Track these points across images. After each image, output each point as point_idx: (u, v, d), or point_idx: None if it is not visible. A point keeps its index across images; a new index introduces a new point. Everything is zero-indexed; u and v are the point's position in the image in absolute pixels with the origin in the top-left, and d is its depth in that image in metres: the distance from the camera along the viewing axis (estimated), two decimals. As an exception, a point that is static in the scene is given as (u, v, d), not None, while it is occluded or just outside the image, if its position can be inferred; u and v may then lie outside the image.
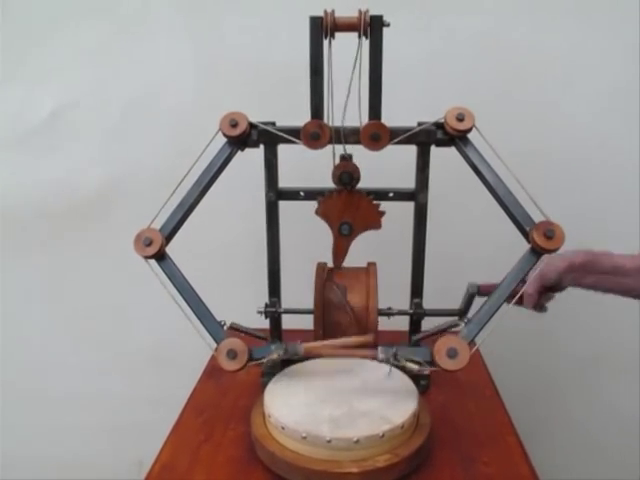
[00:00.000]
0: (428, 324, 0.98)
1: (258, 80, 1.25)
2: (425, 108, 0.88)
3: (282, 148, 0.91)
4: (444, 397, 0.95)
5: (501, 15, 1.21)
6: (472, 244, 1.31)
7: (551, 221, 0.78)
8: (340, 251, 0.91)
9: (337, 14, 0.78)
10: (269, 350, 0.80)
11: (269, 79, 1.24)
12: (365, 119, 0.84)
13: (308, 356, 0.83)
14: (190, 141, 0.86)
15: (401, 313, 0.97)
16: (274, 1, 1.21)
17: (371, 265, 0.98)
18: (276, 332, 1.01)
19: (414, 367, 0.75)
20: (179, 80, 1.28)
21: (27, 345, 1.48)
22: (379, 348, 0.78)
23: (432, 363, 0.75)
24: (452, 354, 0.74)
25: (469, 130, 0.83)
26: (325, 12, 0.78)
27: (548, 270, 0.88)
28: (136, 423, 1.48)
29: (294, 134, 0.85)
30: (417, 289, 0.97)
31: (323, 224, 0.91)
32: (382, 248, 1.09)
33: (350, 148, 0.86)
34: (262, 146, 0.90)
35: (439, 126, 0.85)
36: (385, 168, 1.00)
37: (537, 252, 0.78)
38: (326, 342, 0.83)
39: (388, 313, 0.96)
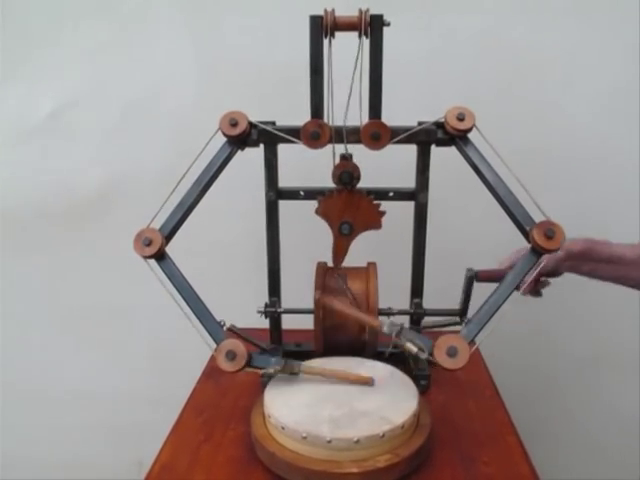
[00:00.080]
0: (428, 324, 0.98)
1: (258, 80, 1.25)
2: (425, 107, 0.88)
3: (282, 148, 0.91)
4: (444, 397, 0.95)
5: (501, 14, 1.21)
6: (472, 244, 1.31)
7: (551, 221, 0.78)
8: (340, 251, 0.91)
9: (337, 13, 0.78)
10: (268, 362, 0.81)
11: (269, 79, 1.24)
12: (365, 118, 0.84)
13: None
14: (190, 141, 0.86)
15: (401, 313, 0.97)
16: (274, 1, 1.21)
17: (371, 264, 0.98)
18: (276, 332, 1.01)
19: (413, 349, 0.75)
20: (179, 80, 1.28)
21: (27, 345, 1.48)
22: (385, 321, 0.79)
23: (431, 356, 0.75)
24: (452, 353, 0.73)
25: (469, 130, 0.83)
26: (325, 11, 0.78)
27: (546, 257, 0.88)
28: (136, 423, 1.48)
29: (294, 134, 0.85)
30: (417, 289, 0.97)
31: (323, 224, 0.91)
32: (382, 248, 1.09)
33: (350, 147, 0.86)
34: (262, 146, 0.90)
35: (439, 125, 0.85)
36: (385, 168, 0.99)
37: (537, 252, 0.78)
38: (326, 368, 0.84)
39: (388, 313, 0.96)
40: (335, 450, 0.72)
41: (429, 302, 0.98)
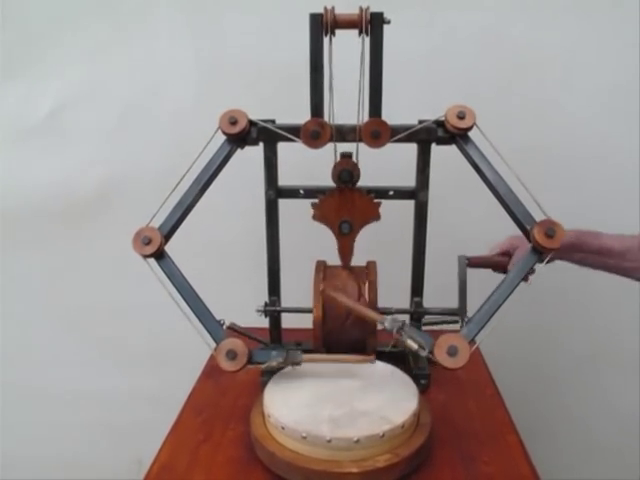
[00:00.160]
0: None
1: (258, 79, 1.25)
2: (426, 106, 0.87)
3: (282, 146, 0.91)
4: (444, 396, 0.94)
5: (501, 12, 1.21)
6: (473, 242, 1.30)
7: (552, 220, 0.78)
8: (346, 251, 0.91)
9: (337, 11, 0.78)
10: (269, 356, 0.80)
11: (269, 78, 1.24)
12: (366, 117, 0.83)
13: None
14: (189, 140, 0.86)
15: (401, 311, 0.97)
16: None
17: (371, 263, 0.98)
18: (275, 331, 1.01)
19: (414, 346, 0.75)
20: (178, 79, 1.27)
21: (26, 344, 1.48)
22: (387, 317, 0.78)
23: (431, 354, 0.75)
24: (452, 352, 0.73)
25: (470, 128, 0.83)
26: (325, 9, 0.78)
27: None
28: (135, 422, 1.48)
29: (294, 132, 0.84)
30: (417, 288, 0.97)
31: (323, 222, 0.91)
32: (382, 247, 1.09)
33: (350, 146, 0.86)
34: (261, 144, 0.90)
35: (440, 124, 0.85)
36: (385, 166, 0.99)
37: (538, 251, 0.78)
38: (326, 355, 0.84)
39: (388, 312, 0.96)
40: (335, 450, 0.72)
41: (429, 301, 0.98)
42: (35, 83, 1.29)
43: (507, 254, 0.96)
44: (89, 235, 1.38)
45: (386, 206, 0.90)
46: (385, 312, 0.96)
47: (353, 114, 0.82)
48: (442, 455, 0.79)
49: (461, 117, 0.82)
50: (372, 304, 0.91)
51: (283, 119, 0.88)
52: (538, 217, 0.79)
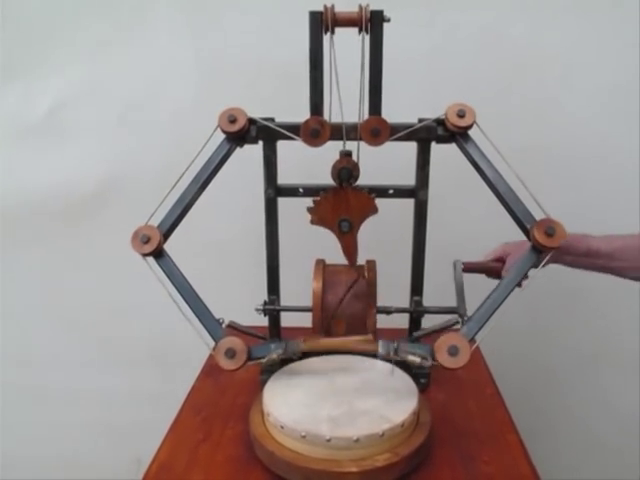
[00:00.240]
0: (428, 322, 0.97)
1: (258, 78, 1.24)
2: (426, 104, 0.87)
3: (281, 145, 0.91)
4: (444, 395, 0.94)
5: (502, 12, 1.21)
6: (473, 241, 1.30)
7: (552, 218, 0.78)
8: (350, 249, 0.91)
9: (337, 9, 0.78)
10: (269, 349, 0.79)
11: (269, 77, 1.24)
12: (366, 115, 0.83)
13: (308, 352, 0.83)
14: (189, 138, 0.85)
15: (401, 310, 0.97)
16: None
17: (370, 262, 0.98)
18: (275, 330, 1.01)
19: (416, 360, 0.75)
20: (178, 78, 1.27)
21: (26, 345, 1.47)
22: (380, 343, 0.77)
23: (435, 361, 0.74)
24: (453, 352, 0.73)
25: (470, 126, 0.83)
26: (325, 7, 0.77)
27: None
28: (134, 421, 1.48)
29: (293, 130, 0.84)
30: (417, 287, 0.97)
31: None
32: (381, 246, 1.09)
33: (351, 145, 0.85)
34: (261, 143, 0.89)
35: (440, 122, 0.85)
36: (385, 165, 0.99)
37: (538, 250, 0.78)
38: (326, 340, 0.83)
39: (388, 310, 0.96)
40: (334, 449, 0.72)
41: (429, 300, 0.97)
42: (35, 82, 1.29)
43: (501, 260, 0.98)
44: (89, 233, 1.37)
45: (386, 205, 0.89)
46: (385, 311, 0.96)
47: (353, 112, 0.82)
48: (442, 454, 0.79)
49: (461, 116, 0.82)
50: (371, 280, 0.90)
51: (283, 117, 0.87)
52: (538, 216, 0.79)
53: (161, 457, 0.81)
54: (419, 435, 0.77)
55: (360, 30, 0.78)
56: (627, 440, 1.42)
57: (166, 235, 0.81)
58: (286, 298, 1.01)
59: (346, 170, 0.83)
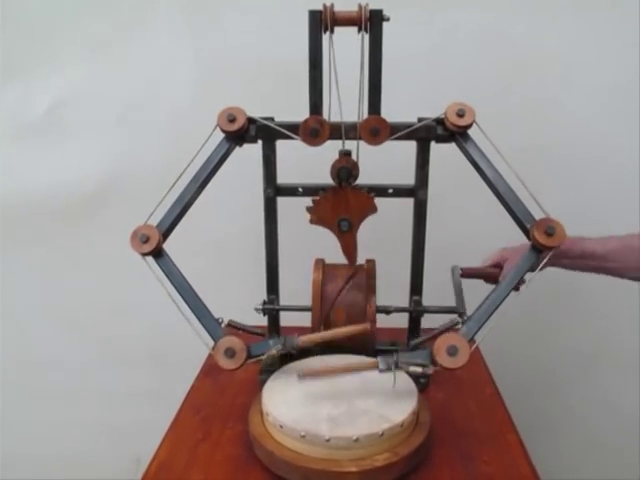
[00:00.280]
0: (427, 321, 0.97)
1: (257, 77, 1.24)
2: (425, 104, 0.87)
3: (281, 144, 0.90)
4: (444, 395, 0.94)
5: (502, 11, 1.20)
6: (472, 241, 1.30)
7: (552, 218, 0.78)
8: (349, 248, 0.91)
9: (337, 8, 0.78)
10: (267, 346, 0.79)
11: (269, 76, 1.24)
12: (365, 115, 0.83)
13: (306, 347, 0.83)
14: (188, 138, 0.85)
15: (400, 310, 0.96)
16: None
17: (370, 261, 0.98)
18: (274, 329, 1.00)
19: (418, 370, 0.75)
20: (177, 77, 1.27)
21: (26, 344, 1.47)
22: (379, 359, 0.77)
23: (432, 362, 0.74)
24: (452, 352, 0.73)
25: (469, 126, 0.83)
26: (324, 6, 0.77)
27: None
28: (134, 421, 1.48)
29: (293, 129, 0.84)
30: (416, 286, 0.97)
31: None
32: (381, 245, 1.09)
33: (350, 144, 0.85)
34: (260, 142, 0.89)
35: (439, 122, 0.85)
36: (384, 164, 0.99)
37: (538, 249, 0.78)
38: (323, 333, 0.83)
39: (387, 310, 0.95)
40: (334, 449, 0.72)
41: (428, 299, 0.97)
42: (35, 82, 1.29)
43: (498, 266, 0.99)
44: (89, 233, 1.37)
45: (385, 204, 0.89)
46: (384, 310, 0.96)
47: (352, 112, 0.82)
48: (441, 454, 0.79)
49: (461, 115, 0.82)
50: (371, 272, 0.90)
51: (282, 117, 0.87)
52: (538, 216, 0.79)
53: (160, 456, 0.81)
54: (419, 435, 0.77)
55: (359, 29, 0.78)
56: (627, 440, 1.41)
57: (165, 234, 0.81)
58: (285, 298, 1.00)
59: (345, 169, 0.83)
